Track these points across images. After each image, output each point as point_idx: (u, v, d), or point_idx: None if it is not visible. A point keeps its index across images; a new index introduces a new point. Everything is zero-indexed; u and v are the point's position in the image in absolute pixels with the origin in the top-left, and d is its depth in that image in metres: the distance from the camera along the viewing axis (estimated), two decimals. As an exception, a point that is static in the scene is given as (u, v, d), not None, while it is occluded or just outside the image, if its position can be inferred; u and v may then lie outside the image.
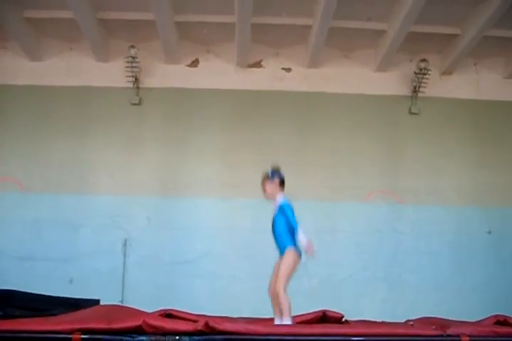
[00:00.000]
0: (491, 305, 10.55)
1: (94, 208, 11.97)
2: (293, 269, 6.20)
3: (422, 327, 4.98)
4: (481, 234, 12.14)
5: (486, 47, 12.05)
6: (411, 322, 5.41)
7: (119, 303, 10.47)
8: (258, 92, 12.56)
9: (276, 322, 5.98)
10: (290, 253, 6.19)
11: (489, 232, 12.14)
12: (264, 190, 6.60)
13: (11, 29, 11.68)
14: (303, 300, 10.95)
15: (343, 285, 11.66)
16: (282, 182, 6.53)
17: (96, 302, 8.63)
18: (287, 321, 5.84)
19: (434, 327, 4.74)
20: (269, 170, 6.61)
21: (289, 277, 6.15)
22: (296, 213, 6.61)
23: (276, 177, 6.51)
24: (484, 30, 11.30)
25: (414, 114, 12.64)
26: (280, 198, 6.50)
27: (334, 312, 5.57)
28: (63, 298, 8.82)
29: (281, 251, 6.31)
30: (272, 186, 6.51)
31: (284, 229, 6.31)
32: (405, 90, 12.67)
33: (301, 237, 6.09)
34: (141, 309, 6.08)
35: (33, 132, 12.29)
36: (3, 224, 11.82)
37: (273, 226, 6.47)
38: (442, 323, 4.87)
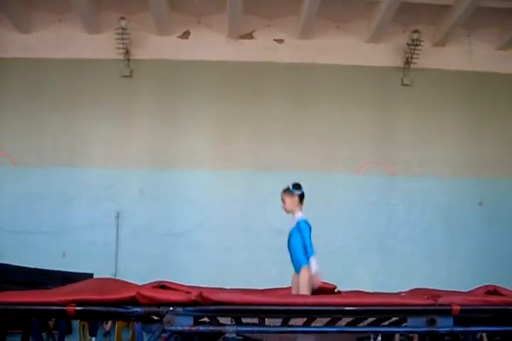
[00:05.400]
0: (482, 274, 10.63)
1: (87, 181, 11.96)
2: (310, 287, 6.13)
3: (413, 296, 5.01)
4: (473, 205, 12.23)
5: (479, 18, 11.99)
6: (403, 294, 5.44)
7: (112, 276, 10.49)
8: (250, 64, 12.48)
9: None
10: (306, 272, 6.09)
11: (480, 204, 12.22)
12: (283, 202, 6.45)
13: (-1, 1, 11.54)
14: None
15: (336, 257, 11.70)
16: (302, 198, 6.39)
17: (89, 276, 8.63)
18: None
19: (425, 296, 4.77)
20: (290, 184, 6.47)
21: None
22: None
23: (297, 191, 6.36)
24: (477, 1, 11.23)
25: (406, 85, 12.63)
26: (299, 214, 6.34)
27: (327, 283, 5.59)
28: (56, 271, 8.81)
29: (296, 268, 6.21)
30: (292, 200, 6.34)
31: (300, 247, 6.17)
32: (398, 61, 12.63)
33: (313, 266, 5.95)
34: (134, 281, 6.10)
35: (24, 106, 12.21)
36: (-4, 198, 11.84)
37: (289, 241, 6.36)
38: (434, 293, 4.90)
